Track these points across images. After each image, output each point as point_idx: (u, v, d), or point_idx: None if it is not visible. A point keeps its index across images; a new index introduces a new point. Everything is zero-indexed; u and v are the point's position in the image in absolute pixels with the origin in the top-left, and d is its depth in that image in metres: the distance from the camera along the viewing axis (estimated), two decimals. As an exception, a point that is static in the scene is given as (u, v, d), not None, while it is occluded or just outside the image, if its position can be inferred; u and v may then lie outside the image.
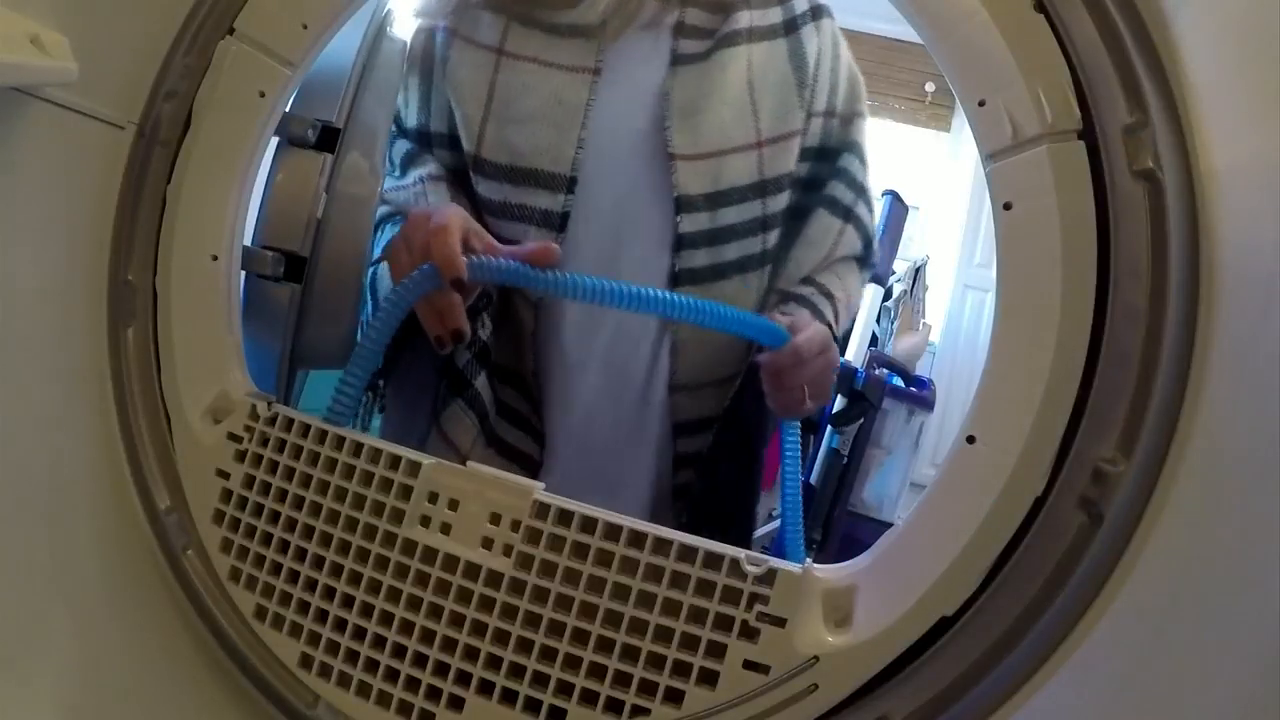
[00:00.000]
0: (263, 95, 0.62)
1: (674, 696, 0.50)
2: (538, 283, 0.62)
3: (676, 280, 0.77)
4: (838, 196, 0.82)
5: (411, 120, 0.81)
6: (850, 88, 0.84)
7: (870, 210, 0.87)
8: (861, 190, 0.85)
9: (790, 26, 0.79)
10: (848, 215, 0.83)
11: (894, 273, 2.67)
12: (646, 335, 0.79)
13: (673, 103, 0.75)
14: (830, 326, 0.80)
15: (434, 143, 0.80)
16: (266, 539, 0.58)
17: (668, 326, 0.79)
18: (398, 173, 0.82)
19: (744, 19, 0.78)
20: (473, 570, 0.54)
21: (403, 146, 0.82)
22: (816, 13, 0.81)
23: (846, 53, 0.84)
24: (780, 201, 0.79)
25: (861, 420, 2.14)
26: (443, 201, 0.76)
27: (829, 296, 0.82)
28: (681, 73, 0.76)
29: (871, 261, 0.91)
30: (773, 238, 0.80)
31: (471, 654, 0.53)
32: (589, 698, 0.51)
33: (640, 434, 0.82)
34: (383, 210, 0.81)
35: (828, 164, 0.84)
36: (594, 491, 0.67)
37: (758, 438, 0.85)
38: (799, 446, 0.80)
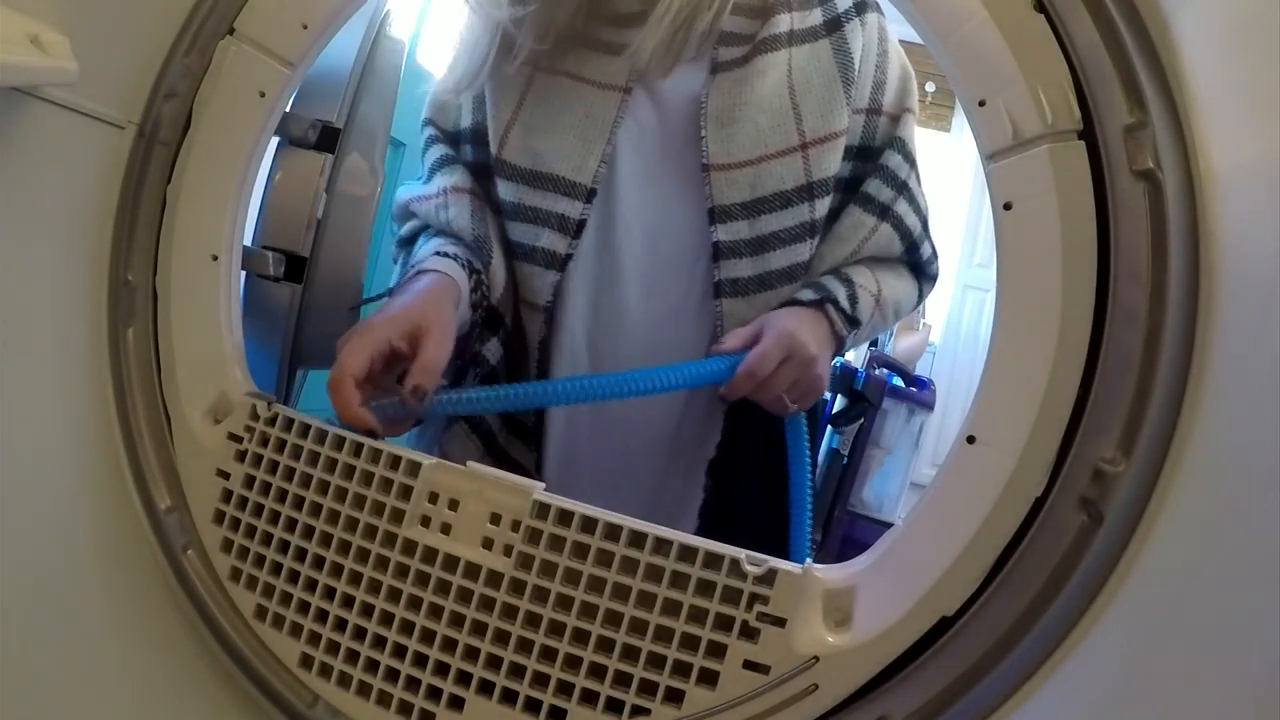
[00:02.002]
0: (263, 95, 0.62)
1: (674, 696, 0.50)
2: (436, 408, 0.63)
3: (718, 291, 0.75)
4: (873, 193, 0.79)
5: (465, 120, 0.80)
6: (901, 84, 0.81)
7: (917, 210, 0.82)
8: (903, 188, 0.80)
9: (833, 26, 0.77)
10: (884, 213, 0.79)
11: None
12: (674, 355, 0.77)
13: (708, 112, 0.74)
14: (843, 310, 0.76)
15: (489, 139, 0.79)
16: (267, 539, 0.58)
17: (708, 344, 0.77)
18: (424, 178, 0.81)
19: (784, 22, 0.76)
20: (473, 570, 0.54)
21: (437, 151, 0.80)
22: (861, 8, 0.78)
23: (896, 49, 0.81)
24: (828, 205, 0.77)
25: (861, 420, 2.14)
26: (460, 212, 0.76)
27: (846, 281, 0.78)
28: (719, 81, 0.75)
29: (925, 268, 0.86)
30: (818, 243, 0.78)
31: (472, 654, 0.53)
32: (589, 698, 0.51)
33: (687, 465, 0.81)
34: (414, 225, 0.80)
35: (871, 162, 0.80)
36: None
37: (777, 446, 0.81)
38: (804, 441, 0.77)
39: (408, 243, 0.81)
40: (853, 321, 0.77)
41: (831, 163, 0.76)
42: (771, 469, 0.79)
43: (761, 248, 0.75)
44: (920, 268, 0.85)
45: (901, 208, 0.80)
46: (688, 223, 0.76)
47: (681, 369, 0.70)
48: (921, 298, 0.87)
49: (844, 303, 0.76)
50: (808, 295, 0.76)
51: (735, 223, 0.74)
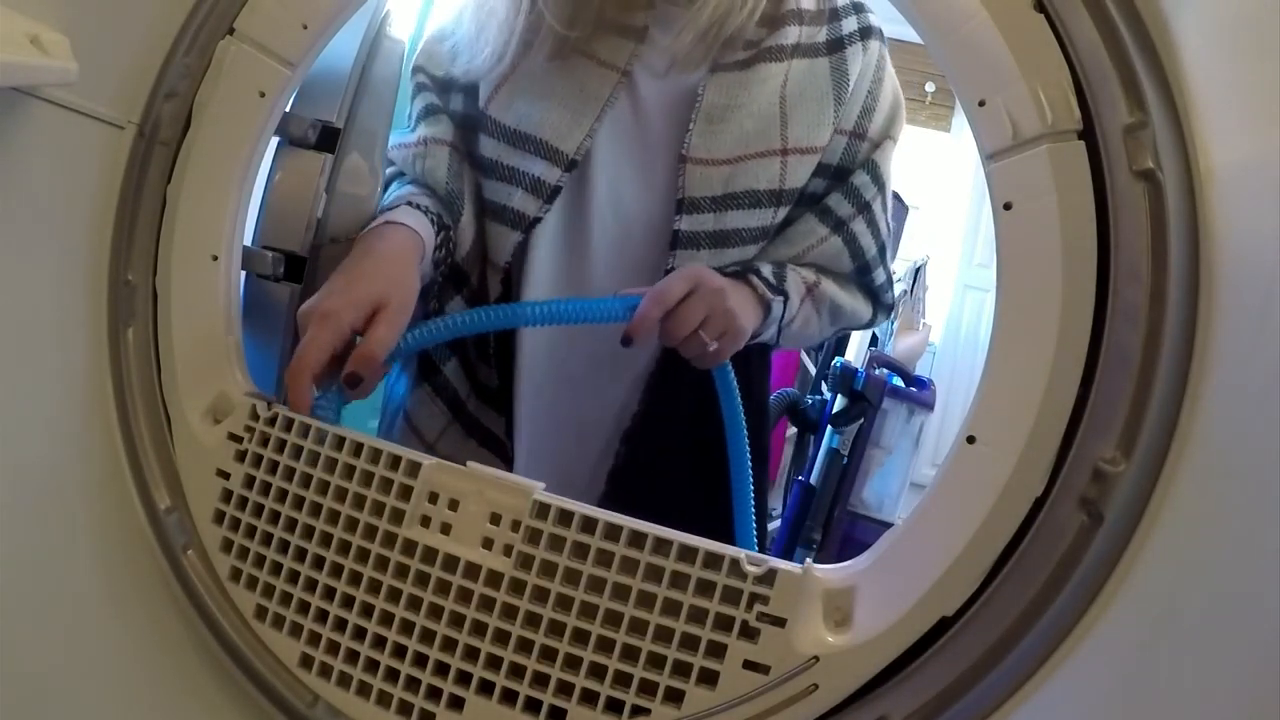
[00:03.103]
0: (263, 95, 0.62)
1: (674, 696, 0.50)
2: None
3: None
4: (832, 206, 0.79)
5: (459, 68, 0.79)
6: (890, 113, 0.81)
7: (876, 234, 0.81)
8: (865, 208, 0.80)
9: (835, 45, 0.78)
10: (838, 226, 0.79)
11: (894, 273, 2.65)
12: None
13: (701, 107, 0.75)
14: (766, 279, 0.75)
15: (479, 92, 0.78)
16: (267, 539, 0.58)
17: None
18: (410, 126, 0.80)
19: (792, 35, 0.77)
20: (473, 570, 0.54)
21: (424, 100, 0.80)
22: (865, 34, 0.79)
23: (892, 78, 0.82)
24: (786, 213, 0.78)
25: (861, 420, 2.14)
26: (436, 164, 0.76)
27: (777, 264, 0.77)
28: (718, 78, 0.75)
29: (878, 295, 0.84)
30: (766, 244, 0.79)
31: (472, 654, 0.53)
32: (589, 698, 0.51)
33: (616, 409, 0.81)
34: (391, 170, 0.80)
35: (840, 182, 0.81)
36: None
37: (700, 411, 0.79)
38: (735, 393, 0.75)
39: (386, 185, 0.80)
40: (778, 291, 0.76)
41: (803, 175, 0.77)
42: (704, 447, 0.78)
43: (722, 242, 0.76)
44: (873, 293, 0.85)
45: (858, 226, 0.80)
46: (659, 211, 0.76)
47: (585, 303, 0.69)
48: (873, 321, 0.87)
49: (767, 274, 0.76)
50: (731, 269, 0.76)
51: (702, 215, 0.75)
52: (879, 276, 0.84)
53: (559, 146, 0.74)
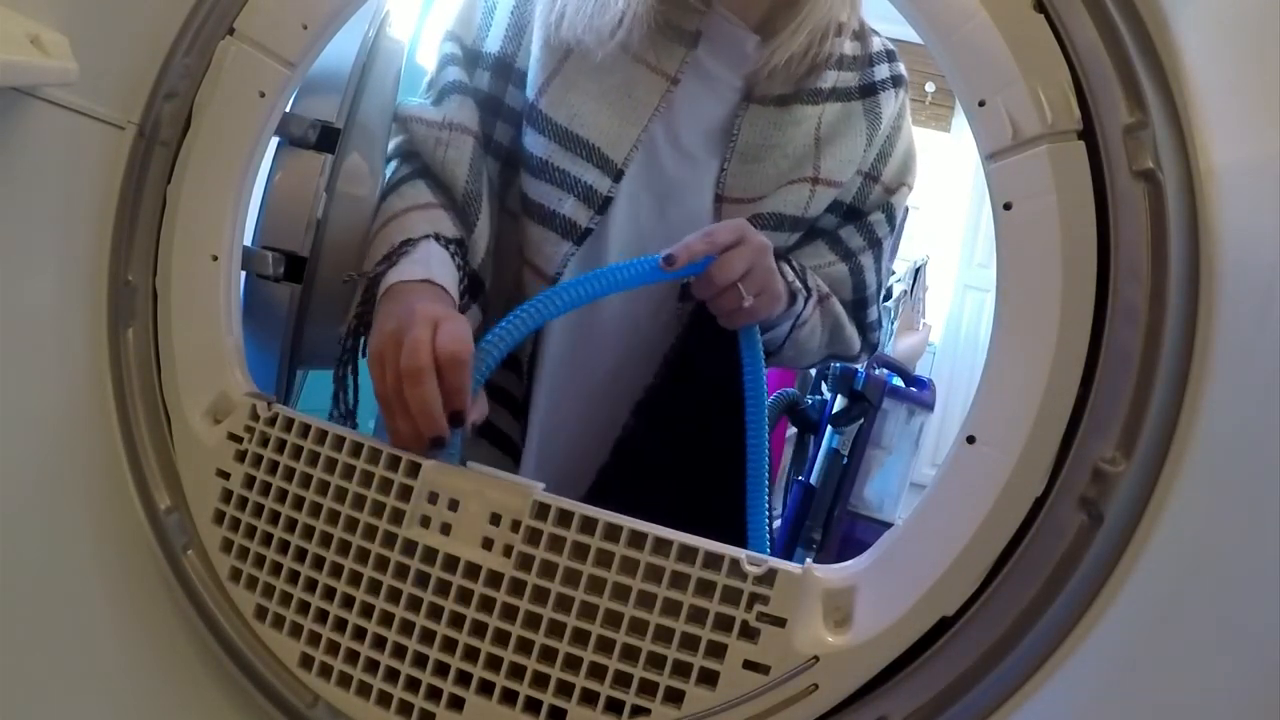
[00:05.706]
0: (263, 95, 0.62)
1: (674, 696, 0.50)
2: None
3: (684, 296, 0.76)
4: (844, 238, 0.81)
5: (492, 45, 0.77)
6: (903, 162, 0.83)
7: (879, 273, 0.82)
8: (876, 244, 0.81)
9: (868, 90, 0.80)
10: (847, 256, 0.81)
11: (894, 273, 2.65)
12: (659, 305, 0.77)
13: (737, 146, 0.75)
14: (794, 268, 0.75)
15: (512, 79, 0.77)
16: (267, 539, 0.58)
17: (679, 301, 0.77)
18: (429, 99, 0.77)
19: (829, 79, 0.78)
20: (473, 570, 0.54)
21: (452, 73, 0.76)
22: (896, 81, 0.82)
23: (909, 127, 0.84)
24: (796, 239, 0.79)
25: (861, 420, 2.14)
26: (460, 157, 0.72)
27: (799, 266, 0.78)
28: (753, 113, 0.76)
29: (867, 331, 0.85)
30: None
31: (471, 654, 0.53)
32: (589, 698, 0.51)
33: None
34: (406, 147, 0.76)
35: (850, 220, 0.82)
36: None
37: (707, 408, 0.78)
38: (760, 354, 0.72)
39: (392, 159, 0.77)
40: (804, 285, 0.76)
41: (823, 204, 0.78)
42: (713, 427, 0.77)
43: None
44: (864, 328, 0.86)
45: (866, 260, 0.81)
46: (681, 228, 0.75)
47: (618, 268, 0.66)
48: (858, 357, 0.87)
49: (795, 266, 0.77)
50: None
51: None
52: (872, 314, 0.85)
53: (609, 155, 0.73)
